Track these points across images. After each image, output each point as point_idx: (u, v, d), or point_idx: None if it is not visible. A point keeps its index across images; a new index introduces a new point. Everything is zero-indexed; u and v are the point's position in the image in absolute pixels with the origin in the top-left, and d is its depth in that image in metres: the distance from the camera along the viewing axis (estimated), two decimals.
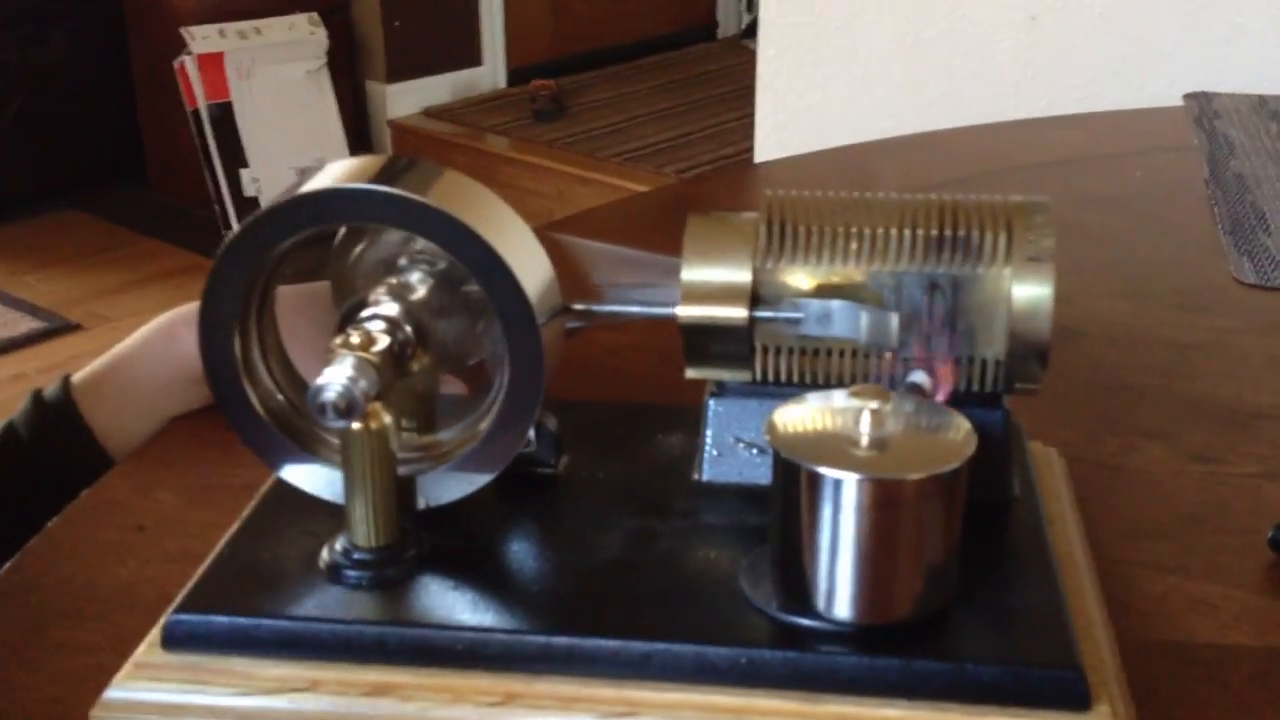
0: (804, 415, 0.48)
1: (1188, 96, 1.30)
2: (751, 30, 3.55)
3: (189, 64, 3.16)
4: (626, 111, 3.70)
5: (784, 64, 2.04)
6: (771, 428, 0.47)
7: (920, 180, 1.10)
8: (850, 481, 0.45)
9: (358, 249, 0.54)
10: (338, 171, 0.50)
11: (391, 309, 0.51)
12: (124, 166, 3.54)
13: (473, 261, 0.49)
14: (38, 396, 0.71)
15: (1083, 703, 0.45)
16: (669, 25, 4.26)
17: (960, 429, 0.47)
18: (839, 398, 0.48)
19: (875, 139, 1.39)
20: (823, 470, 0.45)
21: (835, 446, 0.46)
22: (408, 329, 0.51)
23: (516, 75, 3.85)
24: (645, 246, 0.55)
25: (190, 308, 0.70)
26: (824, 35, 2.00)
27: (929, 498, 0.45)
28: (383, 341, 0.49)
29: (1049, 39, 1.84)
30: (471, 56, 3.82)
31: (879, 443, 0.46)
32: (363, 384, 0.47)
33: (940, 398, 0.52)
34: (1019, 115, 1.79)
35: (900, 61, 1.96)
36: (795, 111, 2.06)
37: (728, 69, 4.01)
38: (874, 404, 0.46)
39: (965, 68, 1.91)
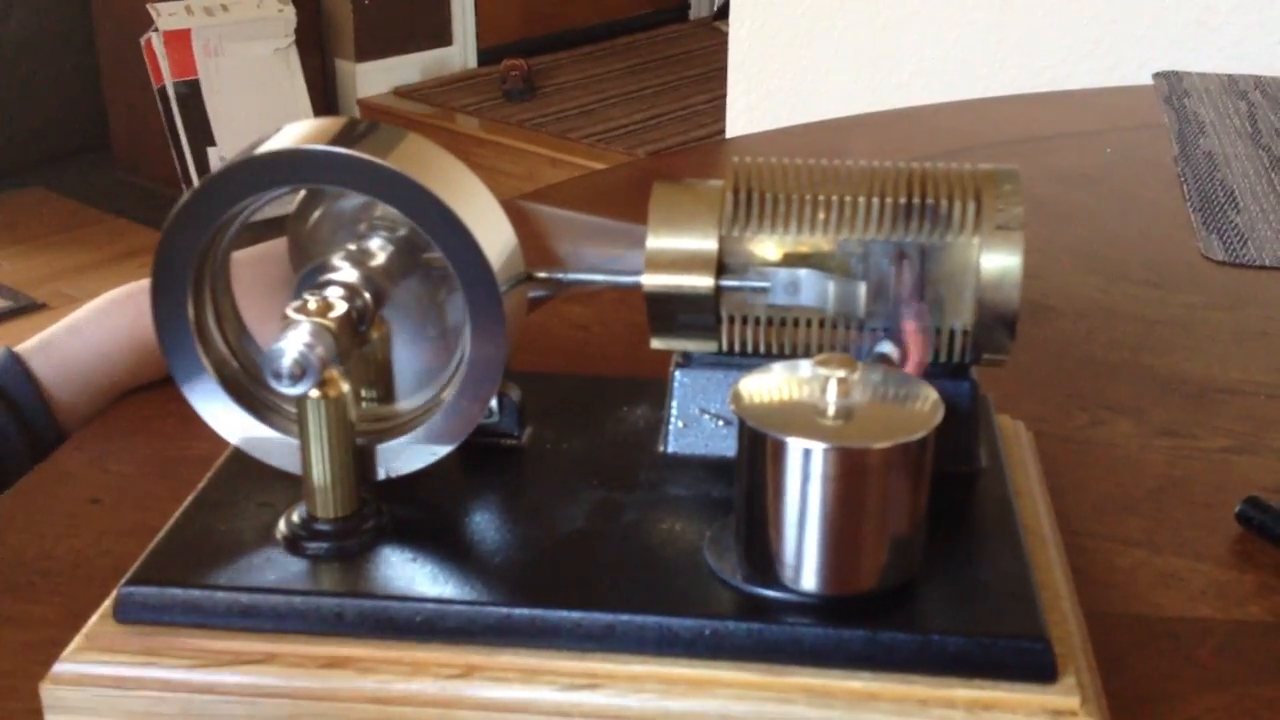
0: (769, 384, 0.47)
1: (1157, 75, 1.30)
2: (723, 12, 3.54)
3: (155, 41, 3.13)
4: (597, 92, 3.69)
5: (756, 44, 2.04)
6: (736, 396, 0.46)
7: (892, 157, 1.09)
8: (816, 450, 0.44)
9: (316, 213, 0.53)
10: (296, 133, 0.49)
11: (350, 275, 0.50)
12: (89, 144, 3.50)
13: (433, 226, 0.48)
14: None
15: (1049, 674, 0.45)
16: (641, 6, 4.25)
17: (928, 399, 0.46)
18: (805, 367, 0.48)
19: (850, 115, 1.38)
20: (788, 439, 0.44)
21: (801, 415, 0.45)
22: (366, 295, 0.50)
23: (487, 55, 3.83)
24: (611, 217, 0.55)
25: (147, 281, 0.68)
26: (796, 15, 1.99)
27: (895, 467, 0.45)
28: (340, 308, 0.48)
29: (1021, 19, 1.84)
30: (442, 36, 3.80)
31: (845, 412, 0.45)
32: (319, 350, 0.46)
33: (910, 368, 0.51)
34: (991, 94, 1.80)
35: (872, 41, 1.95)
36: (767, 92, 2.06)
37: (699, 51, 4.00)
38: (840, 373, 0.45)
39: (937, 47, 1.91)
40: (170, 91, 3.15)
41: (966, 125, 1.22)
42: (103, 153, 3.51)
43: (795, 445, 0.44)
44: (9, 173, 3.36)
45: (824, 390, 0.45)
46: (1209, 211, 0.96)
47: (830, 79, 2.00)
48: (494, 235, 0.49)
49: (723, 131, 2.16)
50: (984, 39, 1.88)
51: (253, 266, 0.61)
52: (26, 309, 2.79)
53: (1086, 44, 1.79)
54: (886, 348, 0.51)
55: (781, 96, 2.05)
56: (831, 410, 0.45)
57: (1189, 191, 1.00)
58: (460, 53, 3.84)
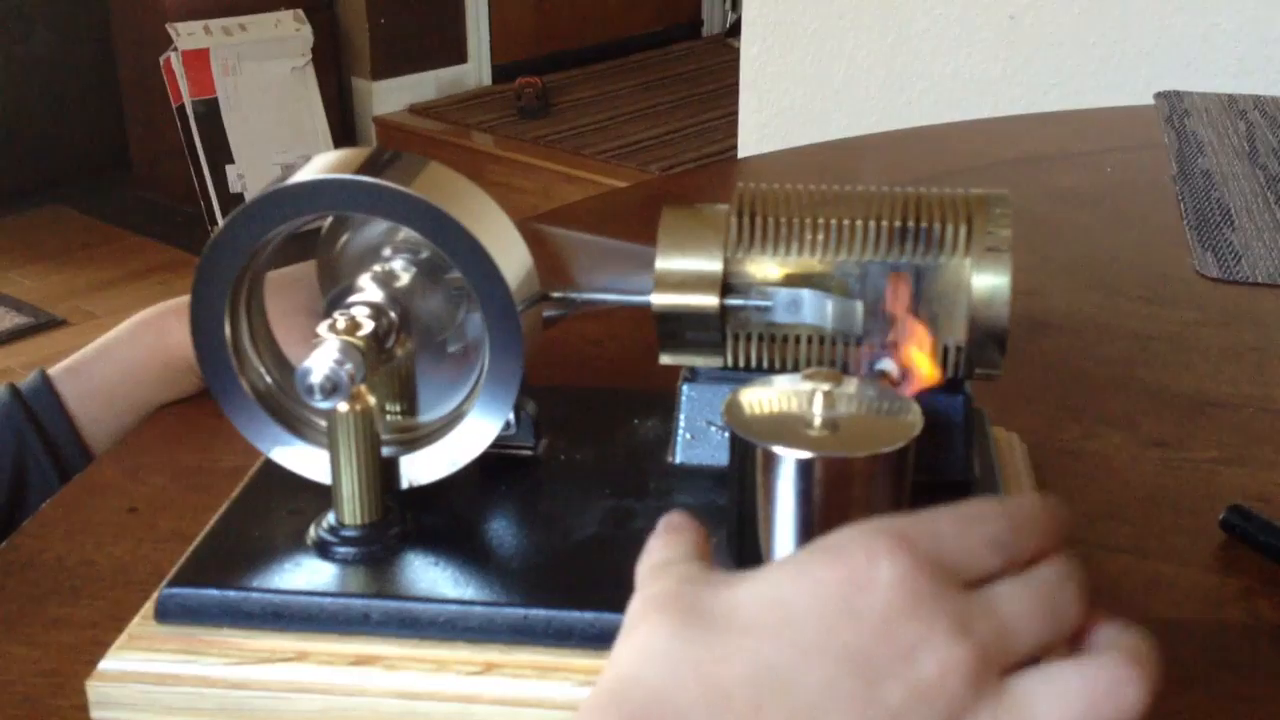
0: (761, 397, 0.50)
1: (1158, 95, 1.33)
2: (736, 29, 3.58)
3: (174, 60, 3.17)
4: (611, 109, 3.72)
5: (767, 62, 2.07)
6: (729, 408, 0.49)
7: (899, 176, 1.12)
8: (801, 459, 0.46)
9: (344, 237, 0.56)
10: (324, 163, 0.52)
11: (376, 295, 0.53)
12: (109, 163, 3.55)
13: (455, 250, 0.51)
14: (13, 389, 0.72)
15: None
16: (654, 23, 4.28)
17: (910, 411, 0.48)
18: (794, 380, 0.49)
19: (857, 135, 1.41)
20: (775, 448, 0.46)
21: (788, 426, 0.47)
22: (392, 315, 0.53)
23: (502, 72, 3.87)
24: (624, 238, 0.58)
25: (177, 301, 0.71)
26: (807, 34, 2.02)
27: (877, 475, 0.47)
28: (368, 326, 0.51)
29: (1028, 38, 1.87)
30: (457, 53, 3.84)
31: (831, 423, 0.47)
32: (348, 366, 0.49)
33: (909, 389, 0.53)
34: (998, 112, 1.82)
35: (882, 60, 1.98)
36: (778, 109, 2.09)
37: (712, 67, 4.03)
38: (826, 386, 0.47)
39: (946, 66, 1.94)
40: (189, 110, 3.20)
41: (971, 145, 1.25)
42: (122, 171, 3.55)
43: (780, 454, 0.46)
44: (29, 190, 3.41)
45: (811, 403, 0.47)
46: (1205, 229, 0.99)
47: (840, 96, 2.03)
48: (511, 257, 0.52)
49: (735, 148, 2.19)
50: (993, 57, 1.90)
51: (284, 288, 0.64)
52: (47, 325, 2.83)
53: (1094, 62, 1.82)
54: (887, 364, 0.54)
55: (792, 114, 2.08)
56: (818, 421, 0.47)
57: (1186, 210, 1.03)
58: (475, 70, 3.88)
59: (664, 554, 0.42)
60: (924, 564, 0.35)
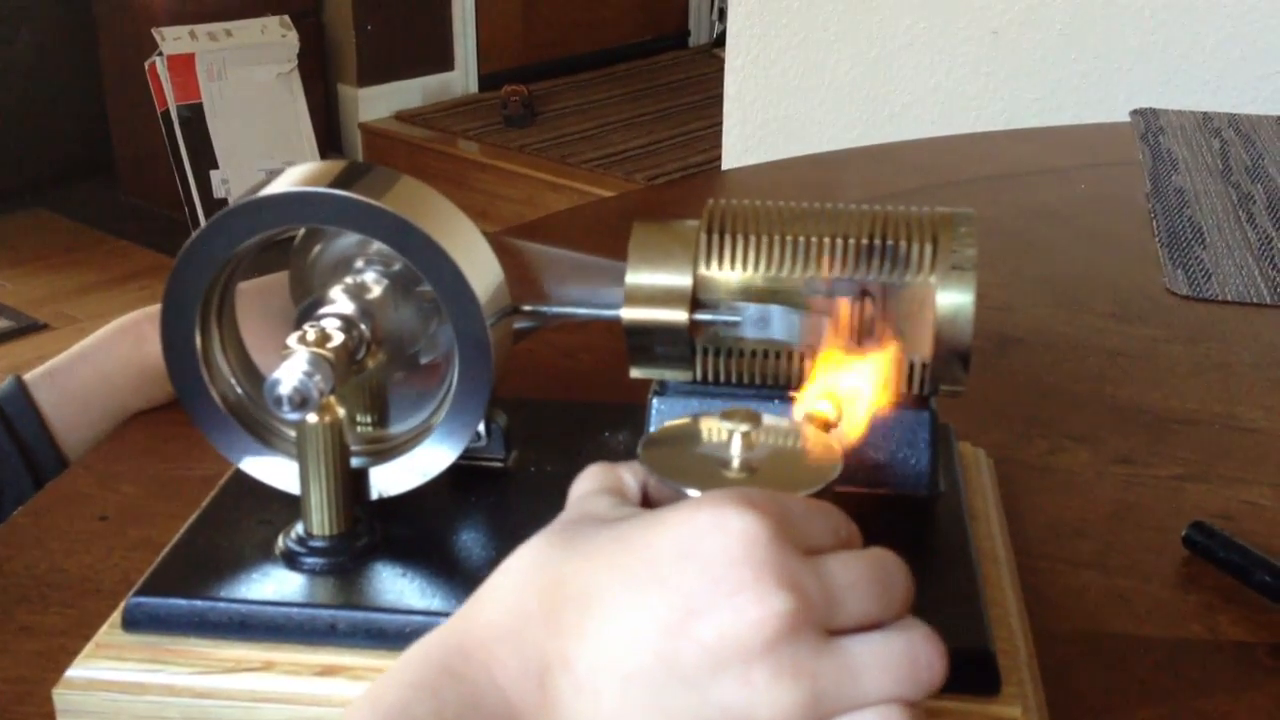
0: (679, 437, 0.48)
1: (1134, 112, 1.34)
2: (723, 40, 3.59)
3: (160, 65, 3.17)
4: (597, 118, 3.73)
5: (751, 75, 2.08)
6: (645, 448, 0.47)
7: (878, 191, 1.13)
8: None
9: (316, 249, 0.57)
10: (297, 175, 0.52)
11: (347, 307, 0.54)
12: (93, 167, 3.54)
13: (424, 263, 0.51)
14: None
15: (993, 685, 0.48)
16: (641, 33, 4.29)
17: (830, 453, 0.46)
18: (714, 420, 0.47)
19: (838, 149, 1.42)
20: (690, 491, 0.44)
21: (706, 468, 0.46)
22: (362, 327, 0.54)
23: (488, 80, 3.88)
24: (606, 250, 0.58)
25: (155, 308, 0.72)
26: (791, 47, 2.03)
27: None
28: (338, 338, 0.52)
29: (1010, 54, 1.88)
30: (443, 61, 3.85)
31: (748, 465, 0.45)
32: (317, 378, 0.50)
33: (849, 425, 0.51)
34: (980, 127, 1.84)
35: (865, 74, 1.99)
36: (762, 121, 2.10)
37: (699, 78, 4.04)
38: (744, 427, 0.45)
39: (928, 81, 1.95)
40: (174, 115, 3.20)
41: (949, 160, 1.26)
42: (106, 175, 3.55)
43: (695, 497, 0.44)
44: (12, 194, 3.40)
45: (729, 444, 0.45)
46: (1176, 247, 1.00)
47: (824, 109, 2.04)
48: (481, 270, 0.53)
49: (720, 158, 2.20)
50: (974, 72, 1.92)
51: (256, 298, 0.64)
52: (28, 329, 2.83)
53: (1074, 77, 1.83)
54: (821, 406, 0.52)
55: (776, 126, 2.09)
56: (736, 463, 0.45)
57: (1158, 227, 1.04)
58: (461, 78, 3.89)
59: (586, 485, 0.45)
60: (767, 524, 0.37)
